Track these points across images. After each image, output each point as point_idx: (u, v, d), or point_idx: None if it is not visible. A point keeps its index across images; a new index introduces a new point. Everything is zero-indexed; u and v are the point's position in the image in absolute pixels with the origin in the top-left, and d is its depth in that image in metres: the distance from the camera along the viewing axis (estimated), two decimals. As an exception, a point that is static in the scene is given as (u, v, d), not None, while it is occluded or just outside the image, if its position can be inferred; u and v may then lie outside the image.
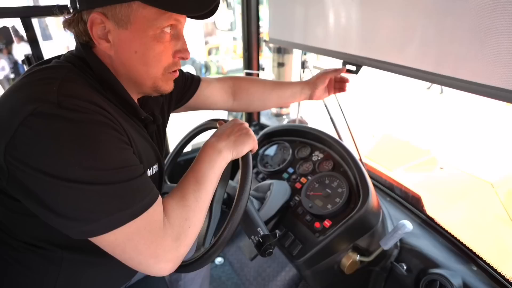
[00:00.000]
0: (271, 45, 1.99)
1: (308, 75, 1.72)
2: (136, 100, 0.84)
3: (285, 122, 2.30)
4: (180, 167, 1.92)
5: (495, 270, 1.05)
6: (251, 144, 0.86)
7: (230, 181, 1.07)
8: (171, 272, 0.69)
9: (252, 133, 0.88)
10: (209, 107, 1.21)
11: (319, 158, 1.34)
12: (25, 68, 1.58)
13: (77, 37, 0.72)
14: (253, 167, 1.49)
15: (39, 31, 9.81)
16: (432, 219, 1.28)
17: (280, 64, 1.95)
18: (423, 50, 1.01)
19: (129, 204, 0.61)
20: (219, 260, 2.09)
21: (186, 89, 1.10)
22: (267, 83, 1.25)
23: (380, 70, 1.17)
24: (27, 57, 1.53)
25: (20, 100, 0.59)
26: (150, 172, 0.82)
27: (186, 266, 0.90)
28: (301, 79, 1.74)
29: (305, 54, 1.68)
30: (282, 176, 1.37)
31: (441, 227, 1.24)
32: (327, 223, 1.13)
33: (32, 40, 1.51)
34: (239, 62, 12.71)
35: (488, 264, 1.07)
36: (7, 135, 0.57)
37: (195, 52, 11.68)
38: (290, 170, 1.37)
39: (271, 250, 0.93)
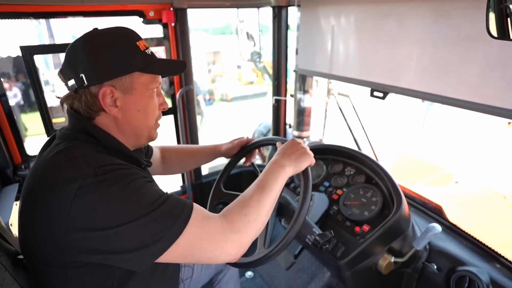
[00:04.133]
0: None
1: (333, 101, 1.93)
2: None
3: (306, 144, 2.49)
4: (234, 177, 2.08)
5: (517, 267, 1.20)
6: (309, 160, 1.02)
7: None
8: (236, 258, 0.83)
9: (309, 151, 1.05)
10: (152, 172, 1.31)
11: (351, 172, 1.52)
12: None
13: (76, 113, 0.84)
14: (291, 183, 1.67)
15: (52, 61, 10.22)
16: (455, 225, 1.44)
17: (306, 91, 2.17)
18: (444, 78, 1.22)
19: (177, 215, 0.75)
20: (249, 274, 2.20)
21: (145, 151, 1.23)
22: (184, 151, 1.40)
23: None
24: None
25: (62, 183, 0.71)
26: None
27: (252, 263, 1.06)
28: (326, 104, 1.96)
29: (330, 82, 1.91)
30: (319, 189, 1.55)
31: (463, 231, 1.40)
32: (366, 227, 1.29)
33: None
34: (244, 90, 13.16)
35: (510, 262, 1.22)
36: (63, 215, 0.69)
37: (198, 81, 12.10)
38: (326, 183, 1.55)
39: (327, 246, 1.10)
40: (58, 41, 9.03)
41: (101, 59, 0.80)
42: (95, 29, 0.84)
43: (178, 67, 0.95)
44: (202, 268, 1.48)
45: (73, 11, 1.60)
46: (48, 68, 10.31)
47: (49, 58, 10.20)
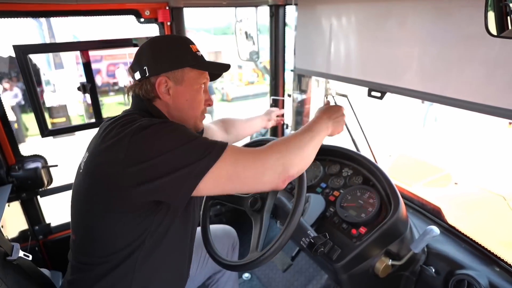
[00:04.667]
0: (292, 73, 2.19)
1: (331, 101, 1.91)
2: None
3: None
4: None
5: (517, 270, 1.18)
6: (342, 128, 1.13)
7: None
8: (280, 183, 0.89)
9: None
10: None
11: (349, 173, 1.50)
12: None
13: (138, 97, 1.03)
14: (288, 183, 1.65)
15: (52, 61, 10.24)
16: (453, 227, 1.42)
17: (303, 91, 2.15)
18: (443, 78, 1.20)
19: (215, 143, 0.87)
20: (246, 275, 2.18)
21: None
22: (242, 119, 1.66)
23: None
24: (82, 84, 1.74)
25: (123, 129, 0.87)
26: None
27: (243, 266, 1.04)
28: (324, 103, 1.94)
29: (328, 82, 1.88)
30: (315, 190, 1.52)
31: (462, 234, 1.37)
32: (362, 229, 1.26)
33: (87, 71, 1.72)
34: (244, 90, 13.16)
35: (510, 265, 1.19)
36: (122, 151, 0.83)
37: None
38: (323, 185, 1.53)
39: (322, 249, 1.07)
40: (59, 41, 9.03)
41: (161, 55, 1.00)
42: (159, 36, 1.09)
43: (222, 67, 1.11)
44: (198, 267, 1.48)
45: (68, 10, 1.58)
46: (50, 68, 10.33)
47: (51, 58, 10.23)
